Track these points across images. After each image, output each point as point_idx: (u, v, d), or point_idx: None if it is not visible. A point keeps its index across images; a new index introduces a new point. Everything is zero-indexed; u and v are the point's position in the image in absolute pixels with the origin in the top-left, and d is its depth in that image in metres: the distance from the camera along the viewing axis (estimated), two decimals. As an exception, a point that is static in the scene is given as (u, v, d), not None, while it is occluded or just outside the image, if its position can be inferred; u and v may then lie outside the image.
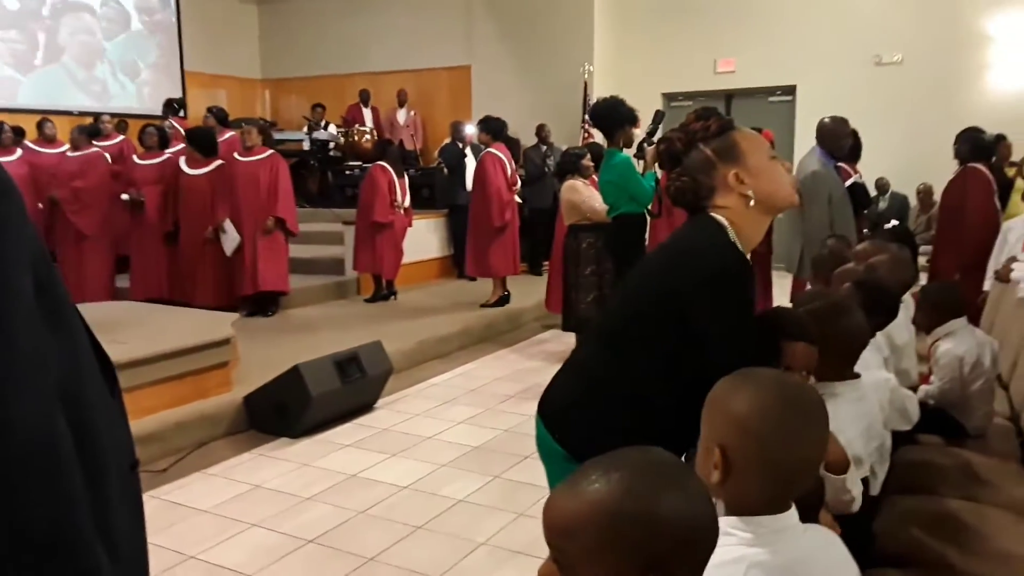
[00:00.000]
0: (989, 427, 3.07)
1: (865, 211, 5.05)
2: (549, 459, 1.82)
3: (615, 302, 1.86)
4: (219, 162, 6.69)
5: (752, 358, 1.43)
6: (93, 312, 3.36)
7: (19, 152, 7.49)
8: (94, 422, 0.80)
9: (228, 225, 6.45)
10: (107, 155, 7.35)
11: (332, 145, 10.55)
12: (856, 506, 1.76)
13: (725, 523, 1.09)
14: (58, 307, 0.80)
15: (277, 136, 9.32)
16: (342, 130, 10.66)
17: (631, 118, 4.87)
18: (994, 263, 5.17)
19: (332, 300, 7.50)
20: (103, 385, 0.87)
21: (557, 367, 1.92)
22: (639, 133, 5.07)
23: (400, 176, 7.41)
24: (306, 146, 10.58)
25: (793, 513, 1.18)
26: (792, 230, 4.67)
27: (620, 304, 1.83)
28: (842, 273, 2.99)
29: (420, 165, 10.33)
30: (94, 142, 7.34)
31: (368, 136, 10.46)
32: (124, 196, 6.79)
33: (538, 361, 5.94)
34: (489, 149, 7.05)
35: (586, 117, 9.85)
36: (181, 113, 8.92)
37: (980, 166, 5.30)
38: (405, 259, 7.56)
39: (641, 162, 4.97)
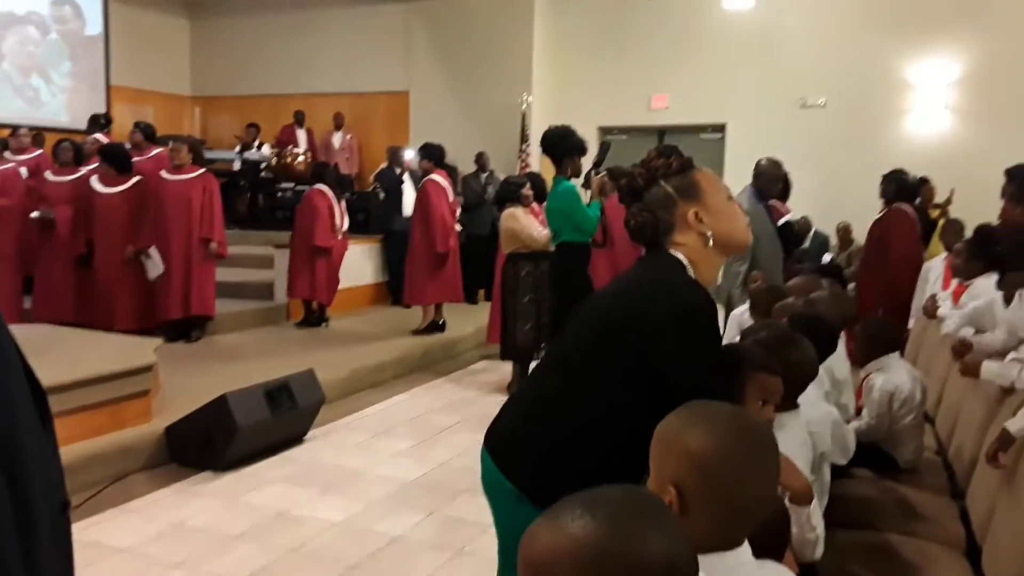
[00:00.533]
0: (919, 461, 3.15)
1: (795, 250, 5.20)
2: (497, 496, 1.75)
3: (569, 334, 1.81)
4: (136, 179, 6.42)
5: (723, 395, 1.41)
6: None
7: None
8: (27, 460, 0.77)
9: (154, 251, 6.19)
10: (23, 169, 6.98)
11: (264, 166, 10.32)
12: (819, 550, 1.75)
13: None
14: None
15: (207, 155, 9.05)
16: (275, 151, 10.46)
17: (580, 148, 4.91)
18: (917, 301, 5.37)
19: (260, 326, 7.27)
20: (35, 417, 0.83)
21: (495, 397, 1.87)
22: (585, 163, 5.11)
23: (339, 200, 7.28)
24: (236, 166, 10.32)
25: (746, 549, 1.17)
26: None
27: (575, 336, 1.77)
28: (782, 308, 3.04)
29: (356, 189, 10.19)
30: (6, 154, 6.96)
31: (302, 158, 10.28)
32: (34, 213, 6.43)
33: (475, 391, 5.84)
34: (431, 176, 6.99)
35: (523, 147, 9.93)
36: (108, 129, 8.56)
37: (905, 206, 5.52)
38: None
39: (587, 191, 5.00)
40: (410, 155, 8.77)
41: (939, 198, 6.79)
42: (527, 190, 5.74)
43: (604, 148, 5.16)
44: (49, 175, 6.78)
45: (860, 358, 3.31)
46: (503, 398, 5.59)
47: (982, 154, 8.17)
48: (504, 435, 1.76)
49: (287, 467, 4.24)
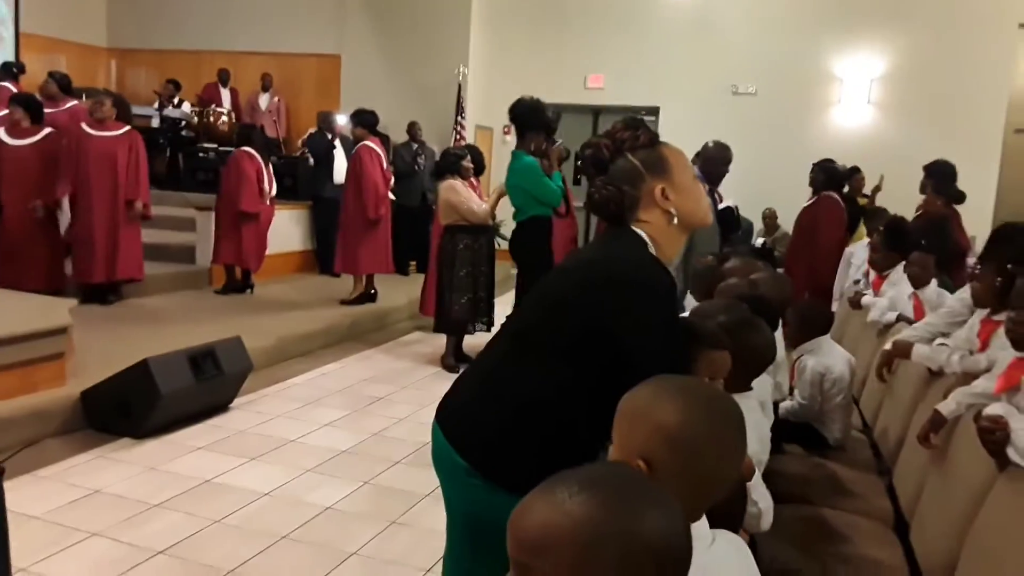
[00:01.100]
0: (847, 439, 3.26)
1: (732, 235, 5.28)
2: (448, 472, 1.69)
3: (525, 308, 1.77)
4: (47, 130, 6.02)
5: (681, 371, 1.40)
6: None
7: None
8: None
9: (65, 204, 5.85)
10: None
11: (184, 124, 9.87)
12: (766, 521, 1.78)
13: None
14: None
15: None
16: (196, 109, 10.01)
17: (548, 127, 4.85)
18: (839, 285, 5.57)
19: (181, 290, 6.97)
20: None
21: (429, 369, 1.82)
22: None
23: (266, 163, 7.03)
24: (155, 123, 9.83)
25: (704, 523, 1.18)
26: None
27: (534, 311, 1.72)
28: (725, 288, 3.08)
29: (283, 153, 9.86)
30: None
31: (225, 118, 9.88)
32: None
33: (408, 362, 5.75)
34: (365, 142, 6.81)
35: (459, 119, 9.80)
36: (18, 79, 8.00)
37: (834, 194, 5.70)
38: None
39: (544, 162, 4.94)
40: (343, 121, 8.53)
41: (867, 189, 7.04)
42: (467, 162, 5.66)
43: (556, 117, 5.09)
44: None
45: (793, 340, 3.39)
46: (437, 370, 5.61)
47: (901, 147, 8.54)
48: (456, 410, 1.71)
49: (212, 435, 4.09)
